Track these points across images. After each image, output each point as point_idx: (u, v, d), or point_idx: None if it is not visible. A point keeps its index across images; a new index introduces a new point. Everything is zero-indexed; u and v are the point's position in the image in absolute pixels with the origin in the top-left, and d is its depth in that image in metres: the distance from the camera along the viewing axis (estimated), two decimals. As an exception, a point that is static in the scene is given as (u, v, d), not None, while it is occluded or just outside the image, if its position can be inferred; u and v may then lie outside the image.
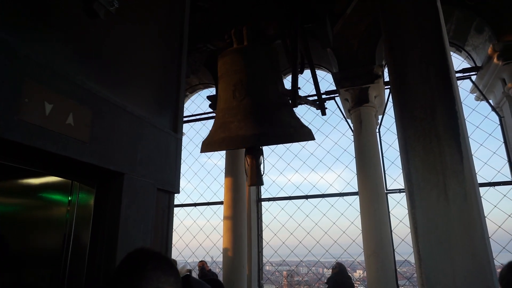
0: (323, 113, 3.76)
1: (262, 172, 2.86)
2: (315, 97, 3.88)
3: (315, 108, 3.74)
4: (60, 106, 1.33)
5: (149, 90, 1.99)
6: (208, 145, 2.48)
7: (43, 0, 1.38)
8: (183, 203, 8.38)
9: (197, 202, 8.32)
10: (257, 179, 2.80)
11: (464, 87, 6.86)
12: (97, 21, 1.45)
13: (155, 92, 2.04)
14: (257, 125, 2.43)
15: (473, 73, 6.51)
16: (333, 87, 7.18)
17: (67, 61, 1.46)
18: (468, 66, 6.68)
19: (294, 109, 3.05)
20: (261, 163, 2.87)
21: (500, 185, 6.00)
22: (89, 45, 1.60)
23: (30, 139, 1.19)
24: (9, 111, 1.15)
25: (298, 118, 2.85)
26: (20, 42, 1.25)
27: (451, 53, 6.63)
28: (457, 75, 6.51)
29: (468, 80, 6.64)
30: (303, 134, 2.65)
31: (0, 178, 2.32)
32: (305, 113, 7.40)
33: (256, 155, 2.79)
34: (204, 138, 2.56)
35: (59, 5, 1.45)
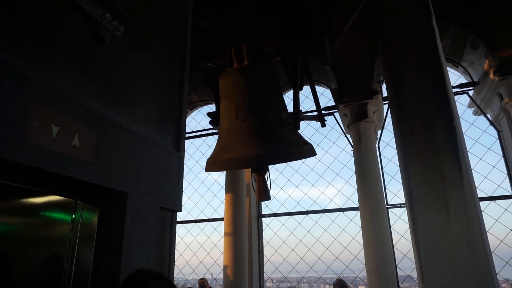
0: (323, 125, 3.81)
1: (269, 188, 2.92)
2: (315, 113, 3.93)
3: (314, 122, 3.79)
4: (66, 128, 1.36)
5: (151, 110, 2.02)
6: (213, 165, 2.56)
7: (49, 25, 1.43)
8: (183, 219, 8.33)
9: (197, 218, 8.28)
10: (265, 195, 2.87)
11: (462, 102, 6.95)
12: (102, 45, 1.49)
13: (158, 111, 2.08)
14: (260, 145, 2.52)
15: (470, 88, 6.59)
16: (332, 102, 7.26)
17: (73, 84, 1.50)
18: (465, 81, 6.77)
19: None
20: (267, 179, 2.92)
21: (501, 199, 6.00)
22: (94, 68, 1.64)
23: (37, 161, 1.22)
24: (18, 134, 1.17)
25: (300, 135, 2.91)
26: (27, 66, 1.29)
27: (448, 68, 6.72)
28: (455, 90, 6.58)
29: (465, 95, 6.72)
30: (306, 151, 2.73)
31: (3, 198, 2.33)
32: (304, 128, 7.43)
33: (262, 172, 2.85)
34: (208, 156, 2.62)
35: (65, 30, 1.50)
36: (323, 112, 7.46)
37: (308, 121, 3.76)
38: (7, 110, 1.15)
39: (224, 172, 7.43)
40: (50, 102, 1.32)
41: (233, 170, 2.46)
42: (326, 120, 3.89)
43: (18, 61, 1.24)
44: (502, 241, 5.70)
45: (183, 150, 2.22)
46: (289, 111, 2.97)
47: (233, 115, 2.67)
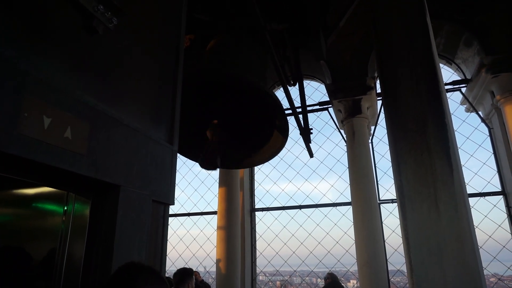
0: (311, 156, 3.81)
1: (217, 159, 2.52)
2: (300, 110, 3.94)
3: (309, 117, 3.81)
4: (58, 120, 1.36)
5: (145, 103, 2.02)
6: None
7: (42, 16, 1.42)
8: (177, 212, 8.34)
9: (190, 212, 8.29)
10: (210, 160, 2.54)
11: (454, 99, 7.01)
12: (96, 37, 1.49)
13: (151, 104, 2.07)
14: (223, 68, 2.24)
15: (463, 85, 6.65)
16: (326, 98, 7.28)
17: (65, 76, 1.49)
18: (458, 78, 6.82)
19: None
20: (221, 142, 2.56)
21: (490, 195, 6.09)
22: (87, 59, 1.63)
23: (29, 153, 1.22)
24: (9, 125, 1.17)
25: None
26: (19, 57, 1.28)
27: (442, 65, 6.77)
28: (447, 87, 6.63)
29: (458, 92, 6.78)
30: (276, 103, 2.47)
31: (-5, 189, 2.32)
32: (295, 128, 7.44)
33: (219, 132, 2.54)
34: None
35: (57, 21, 1.48)
36: (317, 107, 7.50)
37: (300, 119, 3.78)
38: (-1, 101, 1.15)
39: (218, 166, 7.41)
40: (42, 94, 1.31)
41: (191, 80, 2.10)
42: (311, 133, 3.86)
43: (10, 53, 1.23)
44: (490, 237, 5.80)
45: (177, 144, 2.22)
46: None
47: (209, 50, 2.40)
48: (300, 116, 3.89)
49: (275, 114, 2.65)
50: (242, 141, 2.93)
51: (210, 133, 2.62)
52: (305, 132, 3.78)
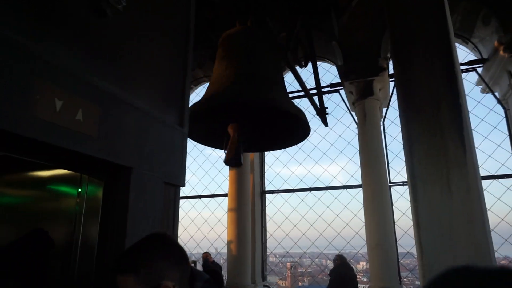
0: (325, 125, 3.78)
1: (241, 153, 2.58)
2: (315, 91, 3.91)
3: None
4: (70, 103, 1.37)
5: (155, 86, 2.02)
6: (193, 112, 2.33)
7: (53, 2, 1.41)
8: (188, 195, 8.45)
9: (201, 194, 8.39)
10: (235, 157, 2.57)
11: (469, 80, 6.82)
12: (105, 19, 1.48)
13: (162, 87, 2.07)
14: (245, 86, 2.33)
15: (479, 65, 6.46)
16: (337, 79, 7.17)
17: (76, 59, 1.50)
18: (475, 58, 6.63)
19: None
20: (242, 141, 2.59)
21: (504, 178, 6.00)
22: (97, 43, 1.62)
23: (41, 135, 1.23)
24: (22, 107, 1.18)
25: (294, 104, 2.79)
26: (30, 41, 1.28)
27: (457, 44, 6.57)
28: (463, 67, 6.45)
29: (474, 73, 6.60)
30: (297, 113, 2.54)
31: (11, 171, 2.38)
32: (309, 106, 7.37)
33: (240, 129, 2.58)
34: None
35: (67, 5, 1.48)
36: (328, 89, 7.40)
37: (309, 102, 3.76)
38: (12, 85, 1.16)
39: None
40: (53, 77, 1.32)
41: (214, 105, 2.20)
42: (327, 114, 3.82)
43: (22, 38, 1.24)
44: (502, 219, 5.75)
45: (187, 126, 2.23)
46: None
47: (223, 67, 2.50)
48: (315, 97, 3.86)
49: (298, 124, 2.67)
50: (260, 136, 2.94)
51: (232, 130, 2.63)
52: (322, 113, 3.77)
